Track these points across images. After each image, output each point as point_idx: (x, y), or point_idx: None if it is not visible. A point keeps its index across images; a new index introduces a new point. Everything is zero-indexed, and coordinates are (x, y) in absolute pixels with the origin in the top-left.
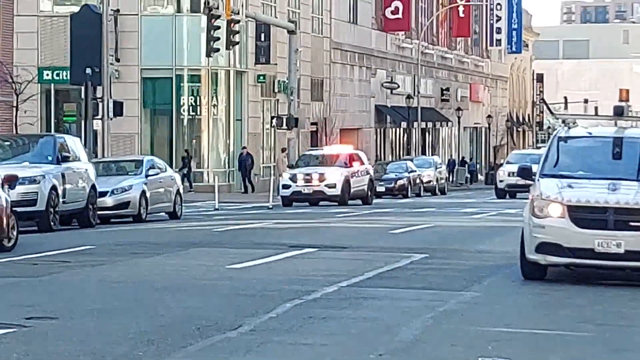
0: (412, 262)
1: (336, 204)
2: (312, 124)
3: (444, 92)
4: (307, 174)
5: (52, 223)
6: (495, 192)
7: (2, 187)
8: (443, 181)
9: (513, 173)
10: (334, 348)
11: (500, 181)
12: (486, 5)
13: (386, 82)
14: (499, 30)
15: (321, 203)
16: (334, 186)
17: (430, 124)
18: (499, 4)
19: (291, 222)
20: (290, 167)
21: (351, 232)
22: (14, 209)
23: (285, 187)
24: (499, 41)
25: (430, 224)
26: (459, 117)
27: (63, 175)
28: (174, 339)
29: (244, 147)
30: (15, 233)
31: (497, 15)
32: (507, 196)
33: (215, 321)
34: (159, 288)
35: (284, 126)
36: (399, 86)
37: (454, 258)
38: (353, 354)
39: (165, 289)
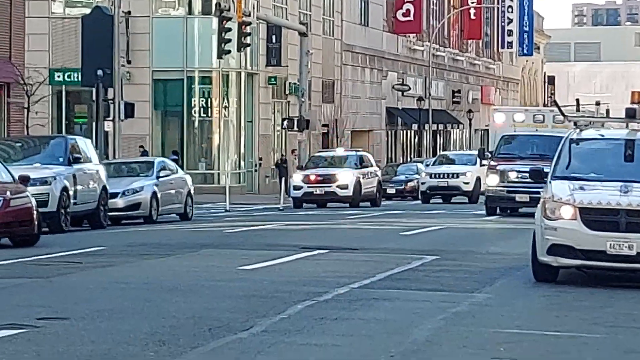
0: (424, 263)
1: (347, 205)
2: (323, 125)
3: (455, 94)
4: (319, 175)
5: (63, 224)
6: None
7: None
8: None
9: (434, 175)
10: (345, 349)
11: (423, 183)
12: (497, 7)
13: (397, 84)
14: (510, 33)
15: (330, 205)
16: (346, 187)
17: (441, 126)
18: (510, 6)
19: (302, 223)
20: (300, 168)
21: (362, 234)
22: None
23: (297, 188)
24: (510, 43)
25: (441, 225)
26: (470, 119)
27: (74, 177)
28: (186, 340)
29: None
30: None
31: (508, 18)
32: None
33: (226, 322)
34: (170, 289)
35: (295, 128)
36: (410, 88)
37: (465, 260)
38: (364, 355)
39: (176, 290)
